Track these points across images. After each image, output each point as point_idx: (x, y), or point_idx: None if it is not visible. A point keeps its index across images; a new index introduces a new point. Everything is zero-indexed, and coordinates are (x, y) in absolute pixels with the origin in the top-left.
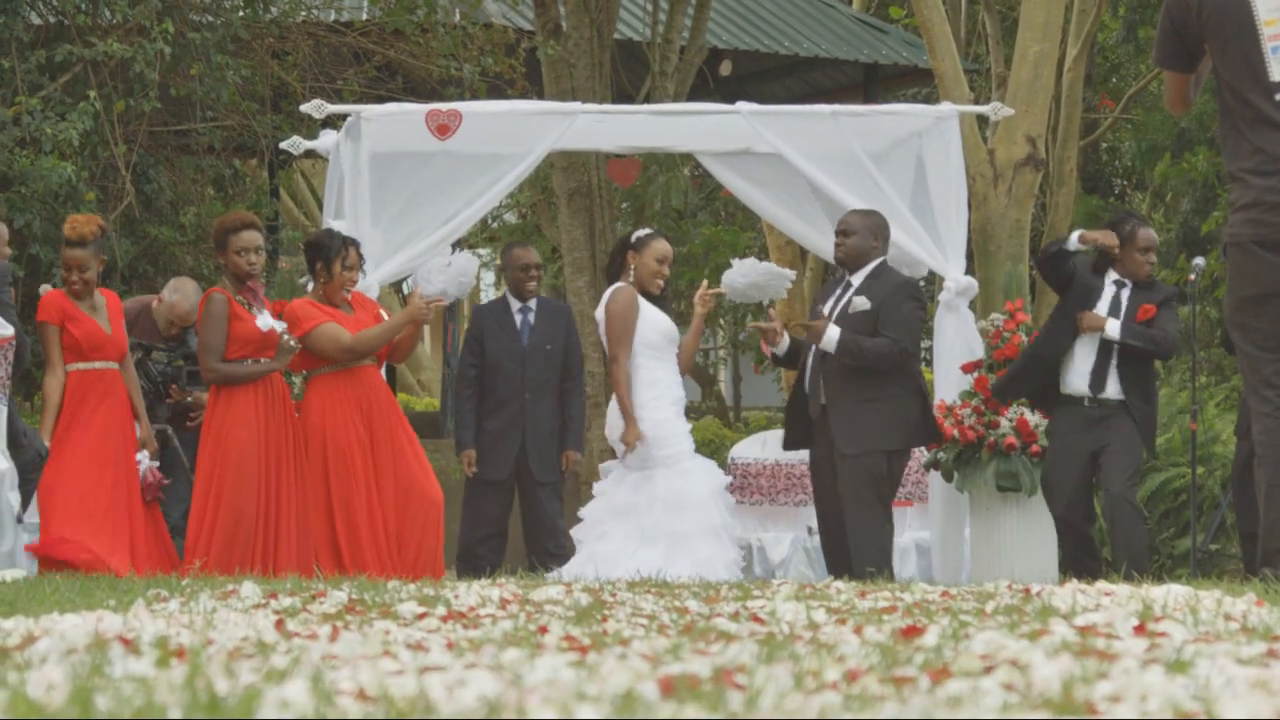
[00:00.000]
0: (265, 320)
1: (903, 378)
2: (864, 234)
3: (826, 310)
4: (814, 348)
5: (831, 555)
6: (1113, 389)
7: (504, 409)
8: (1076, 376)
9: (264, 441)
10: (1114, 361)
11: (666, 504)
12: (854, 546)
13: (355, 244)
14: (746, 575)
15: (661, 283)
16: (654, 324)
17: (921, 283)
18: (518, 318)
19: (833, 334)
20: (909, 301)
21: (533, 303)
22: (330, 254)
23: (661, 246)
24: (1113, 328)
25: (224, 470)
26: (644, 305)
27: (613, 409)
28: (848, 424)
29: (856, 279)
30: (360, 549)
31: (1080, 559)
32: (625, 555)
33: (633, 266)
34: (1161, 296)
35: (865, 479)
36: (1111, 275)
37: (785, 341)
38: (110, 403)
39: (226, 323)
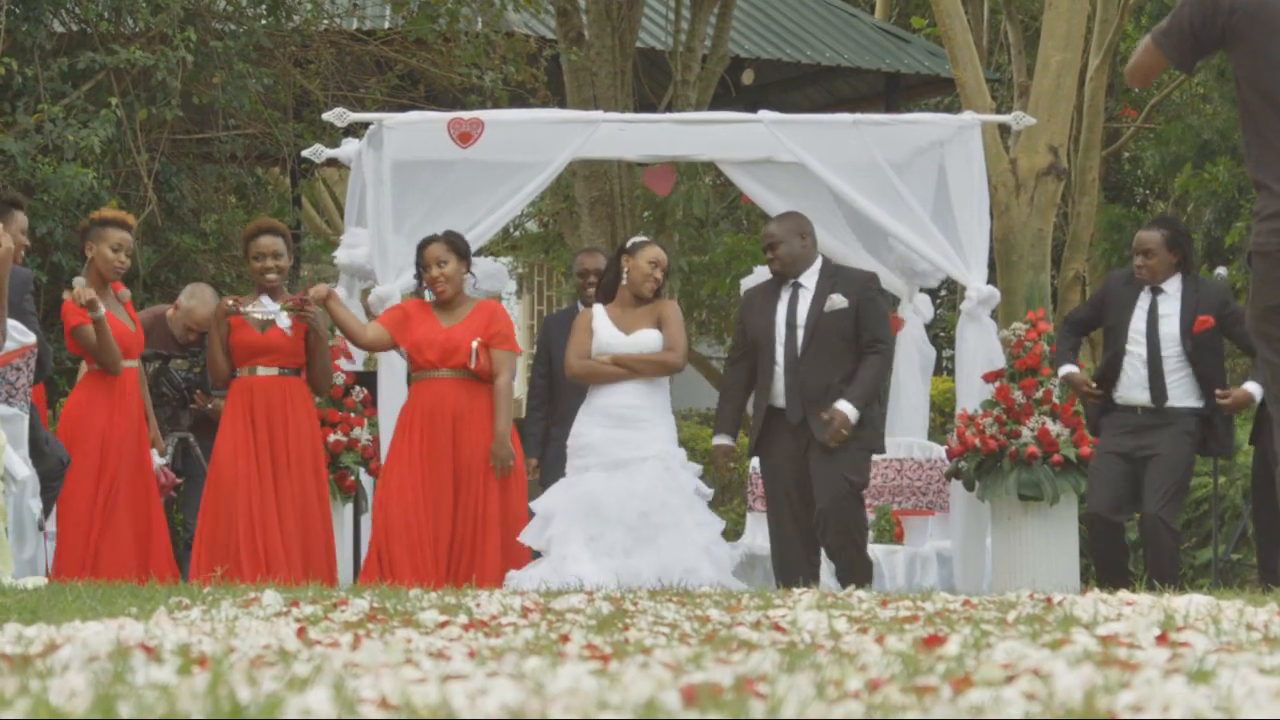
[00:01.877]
0: (276, 316)
1: None
2: (790, 239)
3: (782, 316)
4: (777, 369)
5: (788, 565)
6: (1174, 397)
7: (569, 418)
8: (1134, 388)
9: (249, 447)
10: (1166, 368)
11: (538, 516)
12: (852, 552)
13: (432, 241)
14: (765, 585)
15: (654, 285)
16: (595, 344)
17: (943, 291)
18: None
19: (848, 409)
20: (880, 296)
21: None
22: (416, 266)
23: (653, 252)
24: (1254, 390)
25: (210, 477)
26: (599, 325)
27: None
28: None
29: (807, 280)
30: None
31: (1110, 563)
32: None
33: (626, 270)
34: (1219, 301)
35: (856, 483)
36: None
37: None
38: (131, 402)
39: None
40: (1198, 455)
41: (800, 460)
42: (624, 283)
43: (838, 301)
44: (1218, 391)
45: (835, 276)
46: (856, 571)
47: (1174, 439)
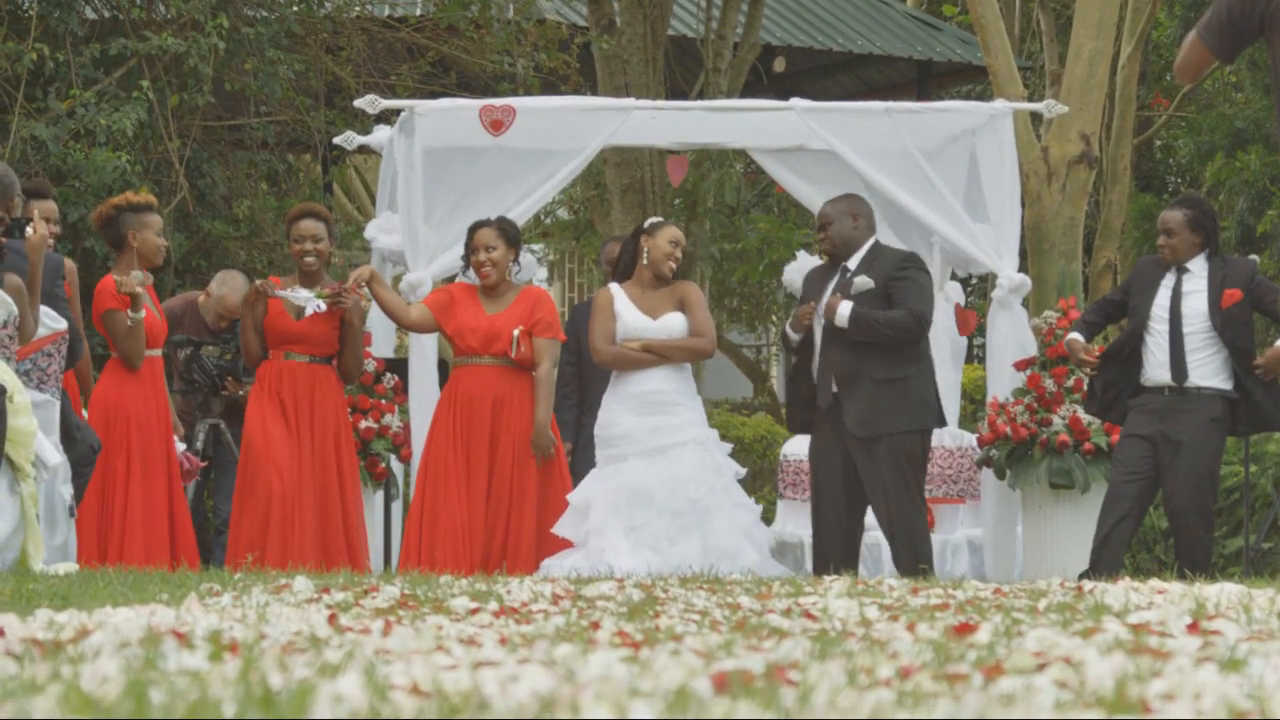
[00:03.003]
0: (309, 303)
1: (915, 358)
2: (842, 219)
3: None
4: (823, 332)
5: (825, 550)
6: (1197, 376)
7: (599, 405)
8: (1157, 368)
9: (281, 429)
10: (1188, 346)
11: (570, 515)
12: (894, 537)
13: (483, 225)
14: (798, 571)
15: (674, 265)
16: (621, 328)
17: (974, 280)
18: None
19: (844, 309)
20: (917, 271)
21: None
22: (465, 252)
23: (673, 231)
24: None
25: (241, 459)
26: (622, 308)
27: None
28: (864, 408)
29: (852, 263)
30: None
31: (1106, 540)
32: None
33: (646, 250)
34: (1245, 275)
35: (898, 463)
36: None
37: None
38: (155, 389)
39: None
40: (1233, 437)
41: (841, 448)
42: (644, 263)
43: (862, 284)
44: (1254, 363)
45: (875, 258)
46: (915, 557)
47: (1199, 426)
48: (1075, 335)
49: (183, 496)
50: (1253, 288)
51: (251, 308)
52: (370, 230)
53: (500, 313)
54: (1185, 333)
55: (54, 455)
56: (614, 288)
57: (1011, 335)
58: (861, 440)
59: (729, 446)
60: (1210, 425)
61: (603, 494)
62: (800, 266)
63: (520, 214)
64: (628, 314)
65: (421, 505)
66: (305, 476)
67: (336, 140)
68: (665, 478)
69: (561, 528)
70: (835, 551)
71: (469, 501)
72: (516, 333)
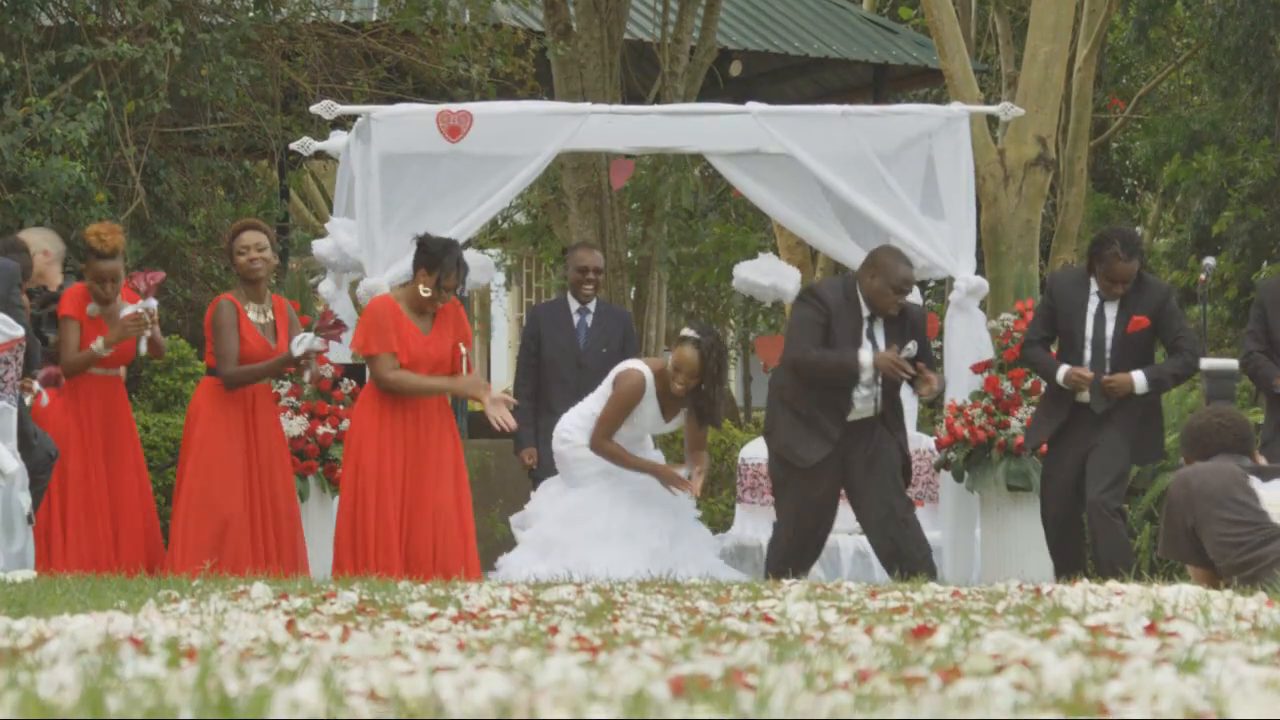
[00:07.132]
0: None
1: None
2: None
3: (867, 346)
4: (858, 392)
5: (799, 556)
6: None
7: (559, 410)
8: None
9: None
10: (1107, 370)
11: (563, 518)
12: (908, 525)
13: (466, 271)
14: (756, 576)
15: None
16: (634, 420)
17: (932, 283)
18: (575, 319)
19: (1139, 379)
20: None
21: (592, 305)
22: (432, 266)
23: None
24: (1139, 382)
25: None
26: (651, 409)
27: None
28: (897, 427)
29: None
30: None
31: (1070, 566)
32: (522, 565)
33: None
34: (1157, 301)
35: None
36: (1094, 286)
37: None
38: (119, 412)
39: (237, 330)
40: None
41: (842, 464)
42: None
43: (911, 350)
44: (1104, 377)
45: (905, 316)
46: (922, 560)
47: (1113, 431)
48: (1065, 367)
49: (151, 501)
50: (1163, 315)
51: (230, 334)
52: (315, 242)
53: (433, 332)
54: (1107, 356)
55: (11, 462)
56: (649, 377)
57: (969, 338)
58: (891, 435)
59: None
60: (1120, 428)
61: (603, 497)
62: (754, 266)
63: (477, 219)
64: (645, 416)
65: (354, 516)
66: (253, 489)
67: (293, 146)
68: (660, 490)
69: (542, 530)
70: (806, 560)
71: (416, 511)
72: (466, 352)
